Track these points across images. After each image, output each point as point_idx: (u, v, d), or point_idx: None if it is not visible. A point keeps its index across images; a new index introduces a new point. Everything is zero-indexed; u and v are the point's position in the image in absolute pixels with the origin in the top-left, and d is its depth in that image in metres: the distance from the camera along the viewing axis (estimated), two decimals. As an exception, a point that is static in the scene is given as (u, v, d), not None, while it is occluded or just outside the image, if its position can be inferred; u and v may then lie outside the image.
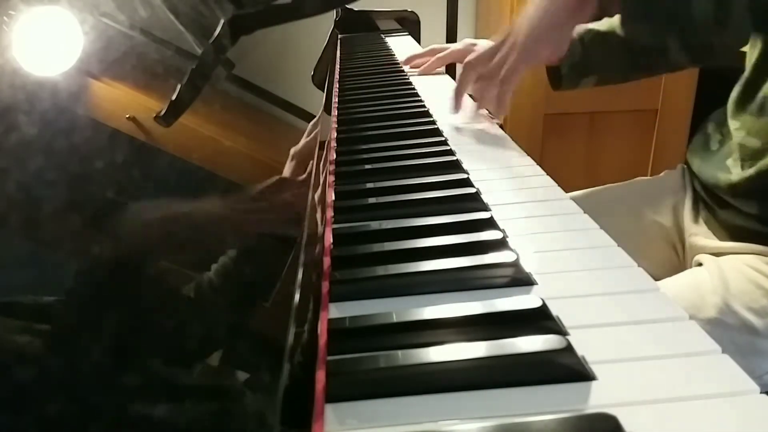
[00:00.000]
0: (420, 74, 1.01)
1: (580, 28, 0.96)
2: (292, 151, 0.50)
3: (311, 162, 0.49)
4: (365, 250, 0.40)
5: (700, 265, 0.73)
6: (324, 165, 0.56)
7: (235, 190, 0.45)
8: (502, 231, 0.41)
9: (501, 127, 0.72)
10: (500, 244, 0.39)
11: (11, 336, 0.23)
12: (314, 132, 0.57)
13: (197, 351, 0.29)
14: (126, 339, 0.26)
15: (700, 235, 0.80)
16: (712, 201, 0.80)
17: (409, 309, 0.33)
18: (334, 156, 0.59)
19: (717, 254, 0.74)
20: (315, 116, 0.67)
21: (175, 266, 0.34)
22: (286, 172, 0.47)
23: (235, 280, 0.35)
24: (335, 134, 0.67)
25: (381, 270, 0.37)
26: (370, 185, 0.51)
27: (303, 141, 0.54)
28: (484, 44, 0.99)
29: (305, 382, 0.29)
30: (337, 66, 1.05)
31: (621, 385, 0.28)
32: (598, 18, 0.69)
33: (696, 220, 0.83)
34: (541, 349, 0.28)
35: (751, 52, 0.74)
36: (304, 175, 0.46)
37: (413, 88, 0.86)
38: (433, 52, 1.02)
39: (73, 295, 0.27)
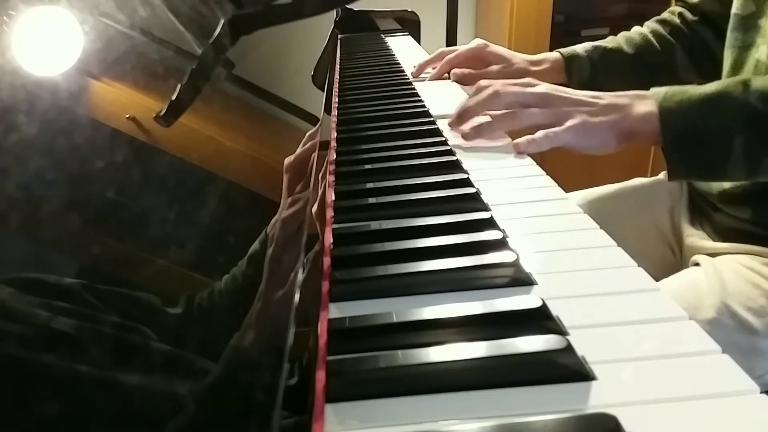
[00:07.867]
0: (430, 80, 0.95)
1: (587, 45, 0.95)
2: (286, 162, 0.49)
3: (309, 169, 0.49)
4: (365, 250, 0.40)
5: (697, 265, 0.73)
6: (324, 165, 0.56)
7: (235, 190, 0.45)
8: (502, 231, 0.41)
9: None
10: (500, 244, 0.39)
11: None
12: (310, 142, 0.56)
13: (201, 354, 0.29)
14: (129, 338, 0.26)
15: (696, 236, 0.80)
16: (706, 205, 0.80)
17: (409, 309, 0.33)
18: (334, 156, 0.59)
19: (713, 255, 0.74)
20: (315, 116, 0.67)
21: (183, 269, 0.34)
22: (283, 185, 0.47)
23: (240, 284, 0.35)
24: (335, 134, 0.67)
25: (381, 270, 0.37)
26: (370, 185, 0.51)
27: (298, 151, 0.53)
28: (498, 48, 0.97)
29: (305, 382, 0.29)
30: (337, 66, 1.05)
31: (621, 385, 0.28)
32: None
33: (692, 221, 0.83)
34: (541, 349, 0.29)
35: (724, 64, 0.74)
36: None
37: (413, 88, 0.85)
38: (441, 56, 0.96)
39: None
